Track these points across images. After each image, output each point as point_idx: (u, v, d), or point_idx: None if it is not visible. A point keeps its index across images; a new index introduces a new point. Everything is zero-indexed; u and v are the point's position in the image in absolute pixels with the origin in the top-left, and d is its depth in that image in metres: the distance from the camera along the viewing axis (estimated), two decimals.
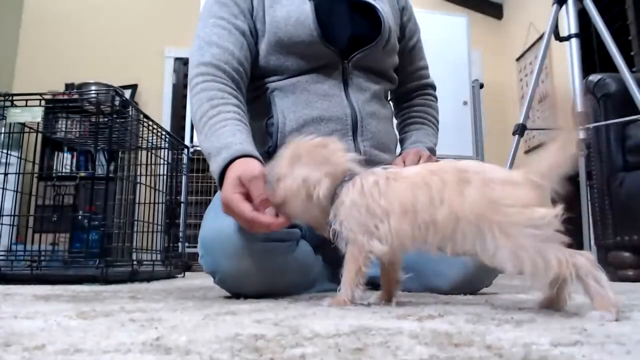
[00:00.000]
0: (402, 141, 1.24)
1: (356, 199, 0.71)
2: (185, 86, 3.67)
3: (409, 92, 1.28)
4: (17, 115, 1.50)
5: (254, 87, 1.11)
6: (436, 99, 1.31)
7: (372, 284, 1.11)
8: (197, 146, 2.68)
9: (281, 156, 0.78)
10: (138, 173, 1.98)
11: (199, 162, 3.32)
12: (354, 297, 0.73)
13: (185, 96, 3.62)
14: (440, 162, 0.74)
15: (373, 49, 1.09)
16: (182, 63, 4.07)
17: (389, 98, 1.26)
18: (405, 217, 0.68)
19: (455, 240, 0.66)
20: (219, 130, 0.91)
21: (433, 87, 1.31)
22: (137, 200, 2.15)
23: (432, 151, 1.16)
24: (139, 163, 1.96)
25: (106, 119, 1.55)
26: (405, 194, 0.68)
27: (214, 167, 0.89)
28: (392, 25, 1.14)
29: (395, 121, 1.28)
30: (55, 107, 1.80)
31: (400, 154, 1.15)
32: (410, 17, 1.26)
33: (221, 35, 1.04)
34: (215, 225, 0.89)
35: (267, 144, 1.09)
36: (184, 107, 3.55)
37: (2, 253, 1.60)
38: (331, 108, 1.06)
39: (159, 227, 1.92)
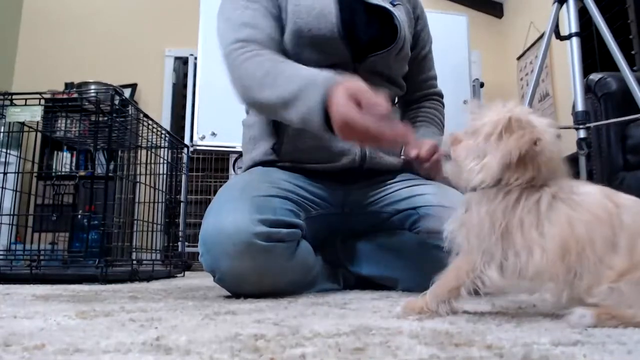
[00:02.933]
0: None
1: (497, 213, 0.57)
2: (185, 86, 3.66)
3: (417, 99, 1.28)
4: (17, 114, 1.50)
5: None
6: (443, 105, 1.30)
7: (371, 284, 1.12)
8: (197, 145, 2.68)
9: (484, 123, 0.63)
10: (138, 172, 1.98)
11: (199, 161, 3.32)
12: (437, 310, 0.61)
13: (185, 96, 3.62)
14: (625, 196, 0.58)
15: (386, 55, 1.10)
16: (182, 63, 4.06)
17: (396, 103, 1.26)
18: (563, 259, 0.54)
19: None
20: (298, 72, 0.88)
21: (441, 95, 1.31)
22: (136, 200, 2.15)
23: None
24: (139, 162, 1.96)
25: (106, 118, 1.55)
26: (576, 228, 0.54)
27: (312, 97, 0.82)
28: (407, 34, 1.14)
29: None
30: (54, 106, 1.79)
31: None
32: (424, 27, 1.26)
33: (253, 16, 1.02)
34: (216, 223, 0.89)
35: (272, 141, 1.09)
36: (184, 106, 3.54)
37: (2, 252, 1.60)
38: None
39: (159, 227, 1.92)
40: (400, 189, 1.12)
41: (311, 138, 1.05)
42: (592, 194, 0.59)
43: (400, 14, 1.14)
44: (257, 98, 0.95)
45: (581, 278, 0.54)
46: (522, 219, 0.57)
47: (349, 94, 0.76)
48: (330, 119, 0.80)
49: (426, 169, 0.99)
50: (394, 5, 1.14)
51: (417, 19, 1.24)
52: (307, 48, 1.05)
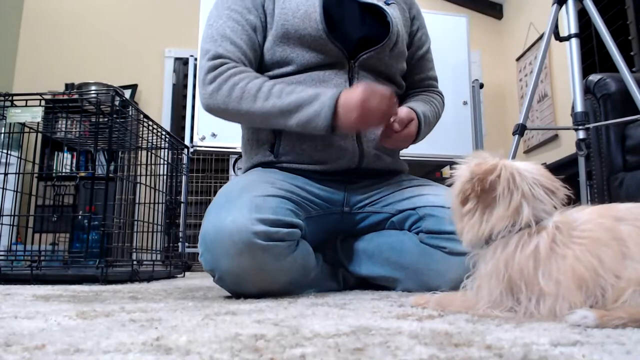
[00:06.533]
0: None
1: (499, 266, 0.60)
2: (186, 86, 3.66)
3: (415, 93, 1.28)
4: (17, 115, 1.50)
5: None
6: (443, 101, 1.30)
7: (371, 284, 1.12)
8: (197, 146, 2.68)
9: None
10: (138, 173, 1.98)
11: (199, 162, 3.31)
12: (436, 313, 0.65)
13: (185, 96, 3.62)
14: (622, 205, 0.60)
15: (380, 51, 1.10)
16: (182, 63, 4.06)
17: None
18: (580, 290, 0.55)
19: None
20: (296, 88, 0.99)
21: (441, 94, 1.31)
22: (137, 200, 2.15)
23: (421, 119, 1.11)
24: (139, 163, 1.96)
25: (106, 119, 1.55)
26: (583, 260, 0.56)
27: (323, 100, 0.96)
28: (400, 30, 1.15)
29: None
30: (55, 107, 1.79)
31: None
32: (420, 27, 1.26)
33: (235, 29, 1.06)
34: (216, 223, 0.89)
35: (270, 142, 1.10)
36: (184, 107, 3.55)
37: (2, 253, 1.60)
38: None
39: (159, 227, 1.92)
40: (400, 189, 1.12)
41: (310, 139, 1.06)
42: (588, 221, 0.60)
43: (393, 11, 1.15)
44: (247, 108, 1.00)
45: (605, 295, 0.55)
46: (521, 269, 0.59)
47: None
48: (337, 114, 0.95)
49: (395, 140, 1.07)
50: (388, 5, 1.15)
51: (413, 19, 1.25)
52: (298, 48, 1.07)
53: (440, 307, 0.68)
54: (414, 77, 1.26)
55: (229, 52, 1.04)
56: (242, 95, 0.99)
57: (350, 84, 1.09)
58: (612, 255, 0.55)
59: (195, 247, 2.46)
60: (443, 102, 1.30)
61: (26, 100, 1.51)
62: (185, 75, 3.76)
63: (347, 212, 1.12)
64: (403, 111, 1.07)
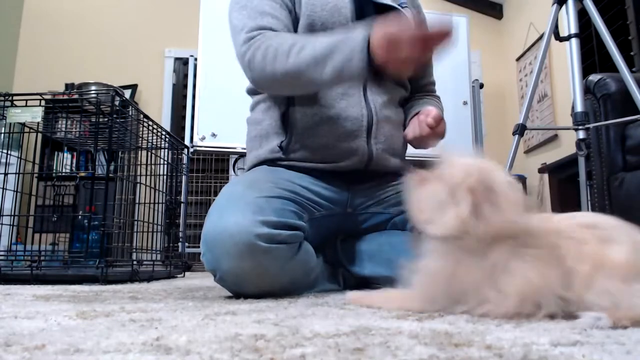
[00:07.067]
0: (409, 110, 1.20)
1: (448, 267, 0.64)
2: (185, 86, 3.66)
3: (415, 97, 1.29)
4: (17, 115, 1.50)
5: None
6: (441, 103, 1.31)
7: (372, 284, 1.12)
8: (197, 146, 2.68)
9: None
10: (138, 173, 1.98)
11: (199, 162, 3.32)
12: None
13: (185, 96, 3.62)
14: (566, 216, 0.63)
15: None
16: (182, 63, 4.06)
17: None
18: (522, 308, 0.59)
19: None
20: (327, 35, 0.91)
21: (439, 98, 1.32)
22: (137, 200, 2.15)
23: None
24: (139, 163, 1.97)
25: (106, 119, 1.55)
26: (531, 278, 0.59)
27: (354, 40, 0.86)
28: None
29: None
30: (55, 107, 1.80)
31: (414, 114, 1.12)
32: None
33: (274, 7, 1.04)
34: (218, 223, 0.89)
35: (280, 138, 1.09)
36: (184, 107, 3.55)
37: (2, 253, 1.60)
38: (349, 108, 1.06)
39: (159, 227, 1.92)
40: (402, 190, 1.12)
41: (321, 136, 1.05)
42: (544, 237, 0.61)
43: (408, 14, 1.15)
44: (281, 68, 0.93)
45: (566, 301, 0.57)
46: (476, 280, 0.61)
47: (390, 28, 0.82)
48: (372, 52, 0.84)
49: (428, 137, 1.04)
50: (402, 8, 1.16)
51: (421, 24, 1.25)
52: None
53: (377, 305, 0.71)
54: (418, 81, 1.26)
55: (271, 24, 1.00)
56: (276, 55, 0.94)
57: (364, 85, 1.09)
58: (556, 275, 0.57)
59: (195, 247, 2.46)
60: (441, 104, 1.32)
61: (26, 100, 1.51)
62: (185, 75, 3.76)
63: (350, 213, 1.12)
64: (433, 111, 1.07)
